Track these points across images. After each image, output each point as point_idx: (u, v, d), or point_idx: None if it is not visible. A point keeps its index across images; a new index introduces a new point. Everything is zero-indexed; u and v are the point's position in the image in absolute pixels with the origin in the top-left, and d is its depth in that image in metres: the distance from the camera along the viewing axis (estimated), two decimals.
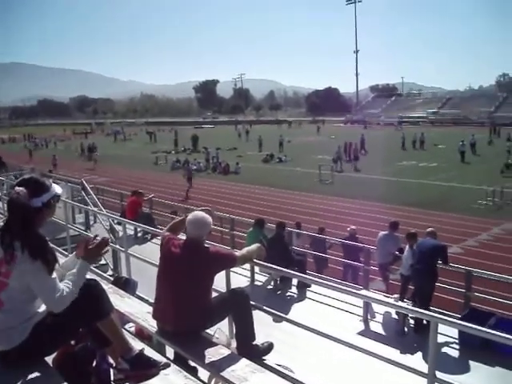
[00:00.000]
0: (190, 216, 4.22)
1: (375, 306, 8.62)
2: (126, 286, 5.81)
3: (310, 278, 4.97)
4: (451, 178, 30.44)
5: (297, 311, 8.52)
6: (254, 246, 4.56)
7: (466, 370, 6.85)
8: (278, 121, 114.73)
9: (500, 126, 66.38)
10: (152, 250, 6.71)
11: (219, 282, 4.41)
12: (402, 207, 22.20)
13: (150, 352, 3.58)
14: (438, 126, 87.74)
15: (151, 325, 4.22)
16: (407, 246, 9.21)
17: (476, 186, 26.95)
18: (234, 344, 4.28)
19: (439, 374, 3.72)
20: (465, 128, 73.13)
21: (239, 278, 9.41)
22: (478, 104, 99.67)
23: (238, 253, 4.42)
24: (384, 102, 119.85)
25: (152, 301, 4.40)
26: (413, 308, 5.09)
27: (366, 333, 7.89)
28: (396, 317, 8.38)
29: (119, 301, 4.59)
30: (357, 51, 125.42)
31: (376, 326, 8.25)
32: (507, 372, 6.76)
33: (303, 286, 9.52)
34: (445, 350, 7.49)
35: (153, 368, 3.34)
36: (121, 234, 8.20)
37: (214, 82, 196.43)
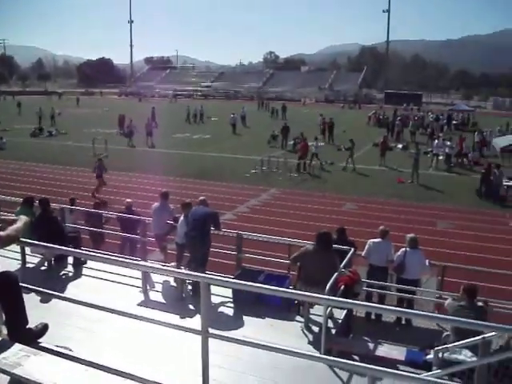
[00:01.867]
0: None
1: (154, 276, 8.75)
2: None
3: (85, 253, 4.85)
4: (224, 149, 32.07)
5: (74, 289, 8.22)
6: (20, 223, 4.20)
7: (240, 324, 7.35)
8: (48, 92, 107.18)
9: (267, 100, 71.60)
10: None
11: None
12: (179, 178, 22.73)
13: None
14: (210, 99, 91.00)
15: None
16: (182, 216, 9.46)
17: (247, 156, 28.85)
18: (4, 331, 4.01)
19: (212, 330, 3.97)
20: (236, 101, 77.31)
21: (9, 261, 8.70)
22: (248, 79, 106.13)
23: (1, 233, 4.05)
24: (159, 75, 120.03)
25: None
26: (187, 272, 5.29)
27: (147, 303, 7.96)
28: (174, 284, 8.60)
29: None
30: (131, 22, 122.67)
31: (156, 295, 8.38)
32: (275, 321, 7.45)
33: (79, 264, 9.19)
34: (221, 309, 7.94)
35: None
36: None
37: None
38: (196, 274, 4.46)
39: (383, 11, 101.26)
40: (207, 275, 3.95)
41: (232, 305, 8.03)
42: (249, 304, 7.76)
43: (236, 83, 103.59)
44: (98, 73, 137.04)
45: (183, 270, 7.72)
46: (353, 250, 8.39)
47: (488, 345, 4.99)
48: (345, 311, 7.75)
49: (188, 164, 27.14)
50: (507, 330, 4.59)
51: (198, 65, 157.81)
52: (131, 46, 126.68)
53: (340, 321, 7.57)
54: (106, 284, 8.57)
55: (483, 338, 4.80)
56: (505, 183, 21.81)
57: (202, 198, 9.43)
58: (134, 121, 35.76)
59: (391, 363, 6.52)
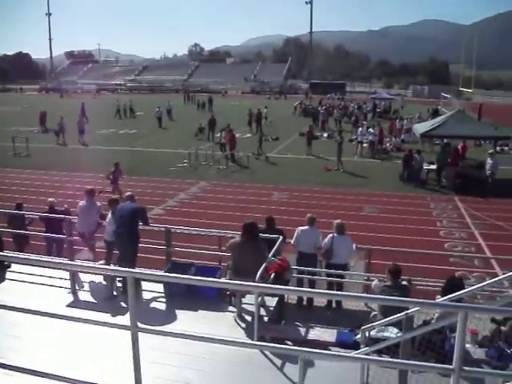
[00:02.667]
0: None
1: (83, 276, 8.55)
2: None
3: (8, 256, 4.67)
4: (150, 144, 31.63)
5: None
6: None
7: (172, 318, 7.32)
8: None
9: (193, 93, 71.08)
10: None
11: None
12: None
13: None
14: (136, 93, 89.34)
15: None
16: (109, 213, 9.28)
17: (174, 150, 28.60)
18: None
19: (144, 326, 3.95)
20: (161, 95, 76.29)
21: None
22: (173, 72, 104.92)
23: None
24: (81, 69, 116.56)
25: None
26: (113, 268, 5.21)
27: (76, 303, 7.78)
28: (104, 282, 8.45)
29: None
30: (49, 14, 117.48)
31: (85, 295, 8.20)
32: (208, 313, 7.48)
33: (3, 267, 8.83)
34: (153, 304, 7.88)
35: None
36: None
37: None
38: (122, 269, 4.40)
39: (306, 3, 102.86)
40: (133, 270, 3.91)
41: (164, 299, 7.99)
42: (181, 297, 7.75)
43: (161, 76, 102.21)
44: (15, 68, 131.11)
45: (110, 267, 7.60)
46: (281, 238, 8.52)
47: (411, 320, 5.23)
48: (276, 299, 7.88)
49: (114, 160, 26.44)
50: (427, 304, 4.83)
51: (121, 58, 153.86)
52: (50, 39, 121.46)
53: (272, 308, 7.70)
54: (33, 287, 8.29)
55: (406, 314, 5.03)
56: (425, 167, 22.80)
57: (128, 193, 9.27)
58: (58, 117, 34.43)
59: (323, 345, 6.73)
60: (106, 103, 53.99)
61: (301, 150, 28.79)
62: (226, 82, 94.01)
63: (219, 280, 7.04)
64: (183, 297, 7.77)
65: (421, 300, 4.62)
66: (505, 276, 5.66)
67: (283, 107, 57.05)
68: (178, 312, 7.54)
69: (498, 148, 29.02)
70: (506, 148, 30.36)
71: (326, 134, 35.49)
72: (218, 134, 31.58)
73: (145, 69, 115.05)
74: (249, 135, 35.62)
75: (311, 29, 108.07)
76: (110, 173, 18.48)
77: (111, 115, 47.24)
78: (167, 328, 6.47)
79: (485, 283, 5.50)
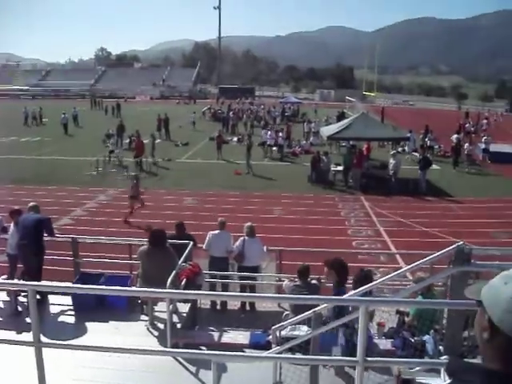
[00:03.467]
0: None
1: None
2: None
3: None
4: (56, 152, 30.45)
5: None
6: None
7: (82, 331, 7.08)
8: None
9: (100, 99, 69.14)
10: None
11: None
12: (5, 185, 21.06)
13: None
14: (39, 99, 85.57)
15: None
16: (12, 224, 8.87)
17: (81, 158, 27.66)
18: None
19: (48, 340, 3.81)
20: (67, 101, 73.61)
21: None
22: (79, 77, 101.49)
23: None
24: None
25: None
26: (12, 282, 4.99)
27: None
28: (8, 298, 8.04)
29: None
30: None
31: None
32: (119, 323, 7.32)
33: None
34: (61, 318, 7.61)
35: None
36: None
37: None
38: (21, 282, 4.22)
39: (214, 8, 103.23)
40: (33, 283, 3.76)
41: (73, 312, 7.73)
42: (91, 309, 7.53)
43: (66, 81, 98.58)
44: None
45: (9, 282, 7.25)
46: (192, 243, 8.50)
47: (320, 317, 5.39)
48: (189, 304, 7.85)
49: (16, 169, 25.23)
50: (333, 300, 5.01)
51: (23, 63, 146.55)
52: None
53: (185, 314, 7.66)
54: None
55: (313, 311, 5.18)
56: (332, 169, 23.58)
57: (32, 204, 8.90)
58: None
59: (237, 348, 6.78)
60: (8, 110, 51.13)
61: (211, 155, 28.82)
62: (135, 88, 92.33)
63: (128, 288, 6.91)
64: (93, 308, 7.56)
65: (326, 296, 4.79)
66: (406, 269, 5.96)
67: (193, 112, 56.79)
68: (89, 324, 7.32)
69: (399, 149, 30.56)
70: (407, 149, 31.94)
71: (235, 139, 35.76)
72: (127, 141, 31.00)
73: (49, 73, 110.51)
74: (158, 141, 35.21)
75: (220, 34, 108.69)
76: (132, 187, 17.46)
77: (16, 122, 44.88)
78: (77, 341, 6.27)
79: (386, 277, 5.77)
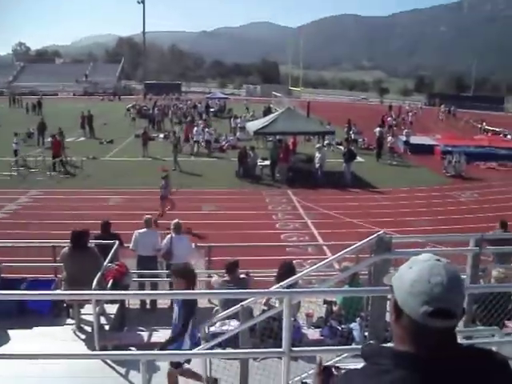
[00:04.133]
0: None
1: None
2: None
3: None
4: None
5: None
6: None
7: (4, 339, 6.79)
8: None
9: (19, 96, 66.31)
10: None
11: None
12: None
13: None
14: None
15: None
16: None
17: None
18: None
19: None
20: None
21: None
22: None
23: None
24: None
25: None
26: None
27: None
28: None
29: None
30: None
31: None
32: (45, 329, 7.08)
33: None
34: None
35: None
36: None
37: None
38: None
39: (138, 2, 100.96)
40: None
41: None
42: (12, 317, 7.23)
43: None
44: None
45: None
46: (118, 243, 8.34)
47: (247, 311, 5.43)
48: (117, 305, 7.71)
49: None
50: (257, 293, 5.06)
51: None
52: None
53: (113, 316, 7.52)
54: None
55: (241, 305, 5.21)
56: (259, 163, 23.78)
57: None
58: None
59: None
60: None
61: (137, 152, 28.31)
62: (57, 84, 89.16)
63: (48, 292, 6.70)
64: (14, 315, 7.26)
65: (253, 290, 4.84)
66: (330, 259, 6.10)
67: (117, 109, 55.53)
68: (11, 332, 7.02)
69: (325, 142, 31.24)
70: (333, 142, 32.70)
71: (162, 135, 35.28)
72: (49, 139, 29.90)
73: None
74: (83, 139, 34.27)
75: (144, 28, 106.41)
76: (162, 188, 17.25)
77: None
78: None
79: (310, 268, 5.89)
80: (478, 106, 69.81)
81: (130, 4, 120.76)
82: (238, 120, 37.48)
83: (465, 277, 5.91)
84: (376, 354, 1.61)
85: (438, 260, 1.56)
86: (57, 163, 24.34)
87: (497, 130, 41.39)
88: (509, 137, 38.37)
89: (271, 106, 49.43)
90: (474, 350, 1.63)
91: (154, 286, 9.67)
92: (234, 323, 6.34)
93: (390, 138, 29.98)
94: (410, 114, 52.41)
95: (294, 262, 9.76)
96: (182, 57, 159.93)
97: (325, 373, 2.22)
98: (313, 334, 7.24)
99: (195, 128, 30.90)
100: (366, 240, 5.42)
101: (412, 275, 1.54)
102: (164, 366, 5.71)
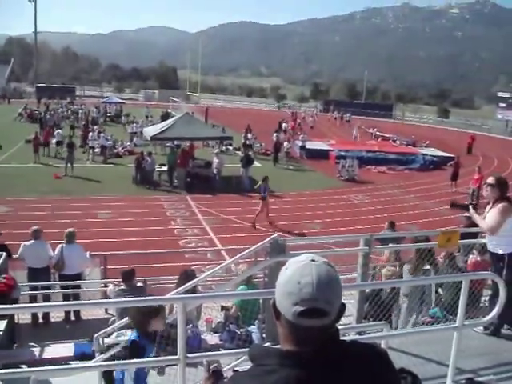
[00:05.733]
0: None
1: None
2: None
3: None
4: None
5: None
6: None
7: None
8: None
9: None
10: None
11: None
12: None
13: None
14: None
15: None
16: None
17: None
18: None
19: None
20: None
21: None
22: None
23: None
24: None
25: None
26: None
27: None
28: None
29: None
30: None
31: None
32: None
33: None
34: None
35: None
36: None
37: None
38: None
39: (29, 1, 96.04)
40: None
41: None
42: None
43: None
44: None
45: None
46: (4, 254, 7.89)
47: None
48: (5, 321, 7.28)
49: None
50: (153, 301, 4.99)
51: None
52: None
53: (1, 332, 7.09)
54: None
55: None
56: (157, 169, 23.49)
57: None
58: None
59: (62, 361, 6.46)
60: None
61: (28, 158, 26.90)
62: None
63: None
64: None
65: (146, 297, 4.76)
66: (227, 263, 6.15)
67: (6, 112, 52.49)
68: None
69: (223, 147, 31.47)
70: (230, 148, 32.99)
71: (54, 140, 33.69)
72: None
73: None
74: None
75: (36, 28, 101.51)
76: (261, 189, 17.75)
77: None
78: None
79: (206, 273, 5.92)
80: (369, 113, 73.46)
81: (21, 2, 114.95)
82: (134, 125, 36.78)
83: (355, 275, 6.21)
84: (262, 355, 1.63)
85: (313, 260, 1.59)
86: None
87: (387, 135, 43.76)
88: (397, 142, 40.69)
89: (169, 111, 48.94)
90: (357, 344, 1.69)
91: (47, 299, 9.23)
92: (133, 334, 6.19)
93: (286, 143, 30.75)
94: (311, 118, 54.23)
95: (193, 267, 9.79)
96: (76, 59, 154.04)
97: (214, 376, 2.24)
98: (212, 339, 7.25)
99: (90, 133, 29.89)
100: (260, 243, 5.53)
101: (284, 276, 1.59)
102: (58, 382, 5.45)
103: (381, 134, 44.92)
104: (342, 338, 1.67)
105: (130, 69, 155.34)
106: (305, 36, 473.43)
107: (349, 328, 5.38)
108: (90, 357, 6.27)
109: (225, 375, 2.33)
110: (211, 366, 2.29)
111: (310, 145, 33.65)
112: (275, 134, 32.15)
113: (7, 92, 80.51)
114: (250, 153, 27.28)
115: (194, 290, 6.13)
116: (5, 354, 6.81)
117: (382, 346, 4.54)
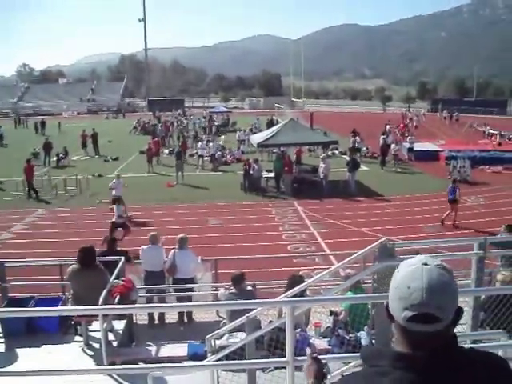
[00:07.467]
0: None
1: None
2: None
3: None
4: None
5: None
6: None
7: (12, 358, 6.83)
8: None
9: (25, 116, 66.86)
10: None
11: None
12: None
13: None
14: None
15: None
16: None
17: (6, 178, 26.56)
18: None
19: None
20: None
21: None
22: (1, 95, 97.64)
23: None
24: None
25: None
26: None
27: None
28: None
29: None
30: None
31: None
32: (53, 347, 7.09)
33: None
34: None
35: None
36: None
37: None
38: None
39: (139, 20, 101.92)
40: None
41: (2, 340, 7.43)
42: (20, 335, 7.27)
43: None
44: None
45: None
46: (124, 258, 8.38)
47: (253, 322, 5.45)
48: (124, 321, 7.73)
49: None
50: (261, 304, 5.08)
51: None
52: None
53: (121, 332, 7.54)
54: None
55: (247, 316, 5.23)
56: (264, 176, 23.83)
57: None
58: None
59: (176, 361, 6.73)
60: None
61: (142, 169, 28.45)
62: (61, 103, 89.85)
63: (56, 308, 6.72)
64: (23, 334, 7.30)
65: (257, 300, 4.86)
66: (334, 268, 6.12)
67: (122, 126, 55.88)
68: (20, 351, 7.06)
69: (329, 152, 31.29)
70: (336, 152, 32.75)
71: (166, 151, 35.33)
72: (55, 158, 30.13)
73: None
74: (87, 157, 34.43)
75: (146, 45, 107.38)
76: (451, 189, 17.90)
77: None
78: (6, 368, 6.04)
79: (314, 278, 5.91)
80: (480, 110, 69.51)
81: (131, 22, 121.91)
82: (241, 133, 37.58)
83: (469, 281, 5.92)
84: (375, 356, 1.62)
85: (425, 263, 1.55)
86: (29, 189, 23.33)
87: (502, 133, 41.12)
88: None
89: (274, 117, 49.55)
90: (474, 352, 1.64)
91: (162, 301, 9.68)
92: (241, 335, 6.34)
93: (393, 146, 29.98)
94: (416, 117, 52.43)
95: (301, 272, 9.82)
96: (183, 72, 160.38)
97: (316, 362, 2.28)
98: (320, 343, 7.23)
99: (199, 143, 31.02)
100: (368, 247, 5.44)
101: (396, 280, 1.57)
102: (172, 379, 5.72)
103: (494, 131, 42.39)
104: (459, 345, 1.61)
105: (235, 78, 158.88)
106: (408, 34, 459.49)
107: (462, 336, 5.15)
108: (203, 357, 6.48)
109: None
110: (313, 355, 2.35)
111: (418, 146, 32.54)
112: (382, 137, 31.43)
113: (122, 107, 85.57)
114: (357, 156, 26.91)
115: (302, 295, 6.15)
116: (124, 352, 7.20)
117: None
